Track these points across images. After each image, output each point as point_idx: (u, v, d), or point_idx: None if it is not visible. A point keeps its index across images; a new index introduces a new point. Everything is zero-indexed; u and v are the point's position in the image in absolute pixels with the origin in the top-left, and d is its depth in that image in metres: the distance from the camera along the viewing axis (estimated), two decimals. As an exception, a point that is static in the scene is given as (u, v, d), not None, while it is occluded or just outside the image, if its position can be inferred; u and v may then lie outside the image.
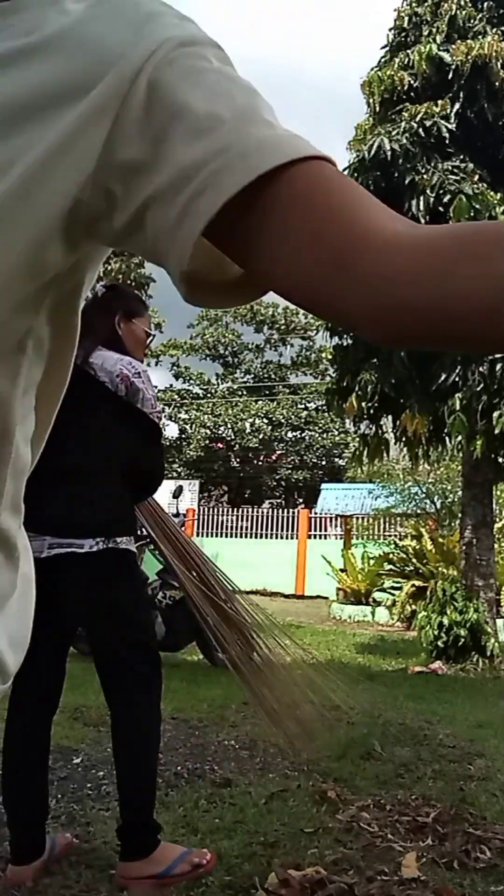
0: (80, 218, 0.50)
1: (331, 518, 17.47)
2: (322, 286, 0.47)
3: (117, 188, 0.49)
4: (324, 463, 29.42)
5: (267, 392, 30.55)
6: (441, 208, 6.22)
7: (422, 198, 6.24)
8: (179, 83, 0.48)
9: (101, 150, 0.49)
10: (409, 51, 6.91)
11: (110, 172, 0.49)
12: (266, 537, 17.51)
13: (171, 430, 26.66)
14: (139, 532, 2.55)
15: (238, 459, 27.27)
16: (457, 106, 6.54)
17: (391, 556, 11.28)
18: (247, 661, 2.50)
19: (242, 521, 18.58)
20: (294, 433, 29.38)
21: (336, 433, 28.89)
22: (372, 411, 7.27)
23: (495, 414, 6.22)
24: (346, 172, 6.77)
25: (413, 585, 10.11)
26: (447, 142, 6.46)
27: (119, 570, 2.15)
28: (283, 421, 28.58)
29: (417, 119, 6.42)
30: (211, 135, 0.47)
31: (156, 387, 2.52)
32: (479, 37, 6.68)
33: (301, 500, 27.90)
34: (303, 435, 29.25)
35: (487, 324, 0.44)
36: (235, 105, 0.48)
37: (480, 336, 0.46)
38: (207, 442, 26.43)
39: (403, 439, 7.36)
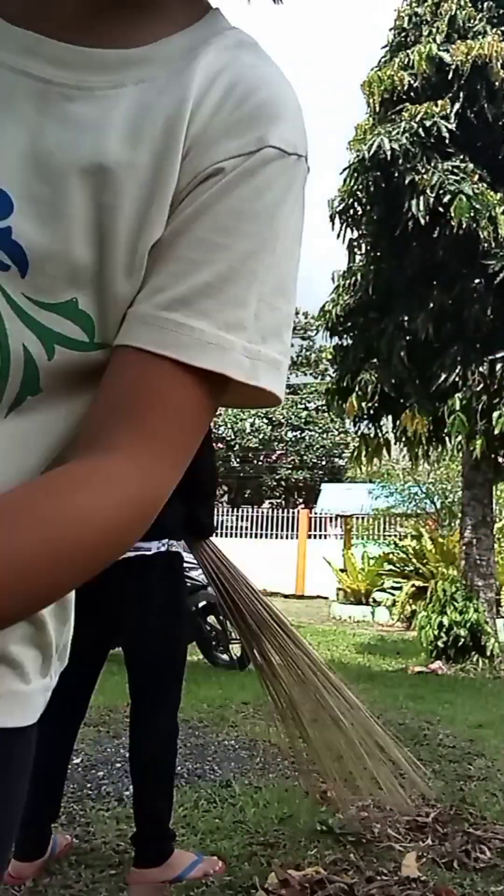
0: None
1: (331, 518, 17.47)
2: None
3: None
4: (324, 463, 29.44)
5: (267, 392, 30.43)
6: (441, 208, 6.22)
7: (422, 198, 6.24)
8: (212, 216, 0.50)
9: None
10: (409, 51, 6.91)
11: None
12: (266, 537, 17.51)
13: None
14: None
15: (238, 459, 27.26)
16: (457, 106, 6.54)
17: (391, 556, 11.28)
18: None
19: (242, 521, 18.57)
20: (294, 433, 29.39)
21: (336, 433, 28.89)
22: (372, 411, 7.28)
23: (495, 414, 6.22)
24: (345, 172, 6.79)
25: (413, 585, 10.11)
26: (447, 142, 6.46)
27: (178, 574, 2.17)
28: (283, 421, 28.61)
29: (417, 119, 6.42)
30: (158, 279, 0.50)
31: None
32: (479, 37, 6.68)
33: (301, 500, 27.90)
34: (303, 435, 29.27)
35: None
36: (205, 269, 0.49)
37: None
38: (207, 442, 26.45)
39: (403, 439, 7.36)
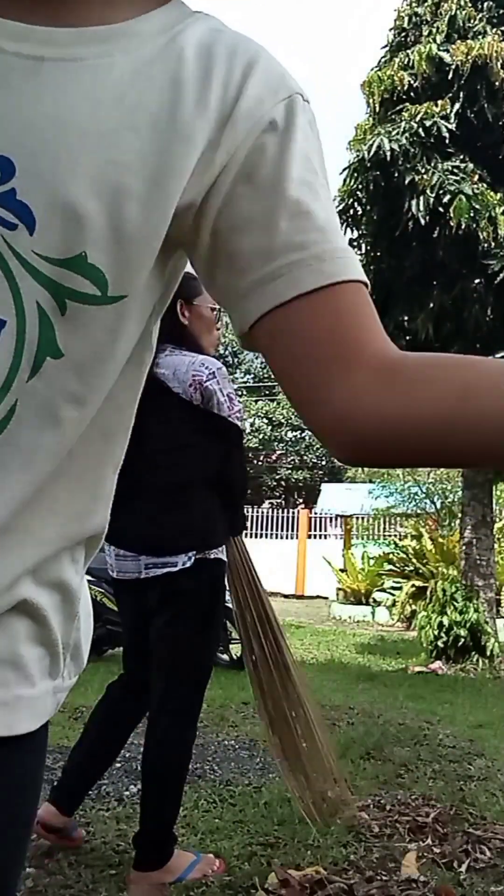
0: (176, 231, 0.55)
1: (331, 518, 17.47)
2: (314, 385, 0.54)
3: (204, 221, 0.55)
4: (324, 463, 29.46)
5: (267, 392, 30.58)
6: (441, 208, 6.22)
7: (422, 198, 6.24)
8: (289, 149, 0.55)
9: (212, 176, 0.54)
10: (409, 51, 6.91)
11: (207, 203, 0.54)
12: (266, 537, 17.51)
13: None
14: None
15: (238, 459, 27.26)
16: (457, 106, 6.54)
17: (391, 556, 11.28)
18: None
19: (242, 521, 18.57)
20: (294, 433, 29.42)
21: (336, 433, 28.81)
22: (372, 411, 7.28)
23: (495, 414, 6.22)
24: (345, 172, 6.79)
25: (413, 585, 10.11)
26: (447, 142, 6.45)
27: (207, 583, 2.13)
28: (283, 421, 28.64)
29: (417, 119, 6.42)
30: (296, 223, 0.54)
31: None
32: (479, 37, 6.68)
33: (301, 500, 27.89)
34: (303, 435, 29.28)
35: (446, 441, 0.51)
36: (320, 201, 0.55)
37: (442, 453, 0.53)
38: (207, 442, 26.42)
39: (403, 439, 7.36)
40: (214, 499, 2.14)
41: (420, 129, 6.39)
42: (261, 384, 31.15)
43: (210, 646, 2.19)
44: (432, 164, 6.36)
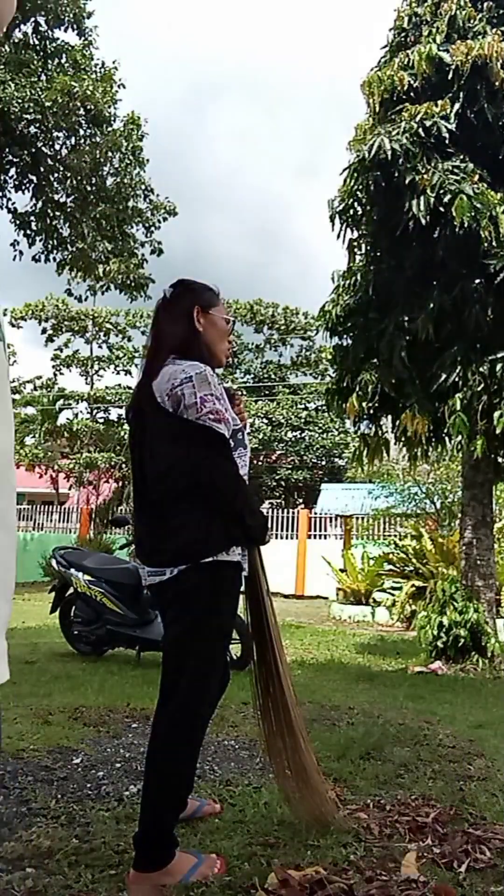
0: None
1: (331, 518, 17.47)
2: None
3: None
4: (324, 463, 29.44)
5: (267, 392, 30.56)
6: (441, 208, 6.22)
7: (422, 198, 6.24)
8: None
9: None
10: (409, 51, 6.90)
11: None
12: (266, 537, 17.48)
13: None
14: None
15: (238, 459, 27.24)
16: (457, 106, 6.53)
17: (391, 556, 11.28)
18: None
19: (242, 521, 18.54)
20: (294, 433, 29.40)
21: (336, 433, 28.89)
22: (372, 411, 7.27)
23: (495, 414, 6.22)
24: (346, 173, 6.79)
25: (413, 585, 10.12)
26: (447, 142, 6.45)
27: (203, 587, 2.11)
28: (282, 421, 28.61)
29: (417, 119, 6.41)
30: None
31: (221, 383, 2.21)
32: (479, 37, 6.67)
33: (301, 501, 27.89)
34: (303, 435, 29.26)
35: None
36: None
37: None
38: (207, 442, 26.41)
39: (403, 439, 7.36)
40: (203, 509, 2.10)
41: (420, 129, 6.38)
42: (261, 384, 31.14)
43: (205, 649, 2.17)
44: (432, 164, 6.35)
